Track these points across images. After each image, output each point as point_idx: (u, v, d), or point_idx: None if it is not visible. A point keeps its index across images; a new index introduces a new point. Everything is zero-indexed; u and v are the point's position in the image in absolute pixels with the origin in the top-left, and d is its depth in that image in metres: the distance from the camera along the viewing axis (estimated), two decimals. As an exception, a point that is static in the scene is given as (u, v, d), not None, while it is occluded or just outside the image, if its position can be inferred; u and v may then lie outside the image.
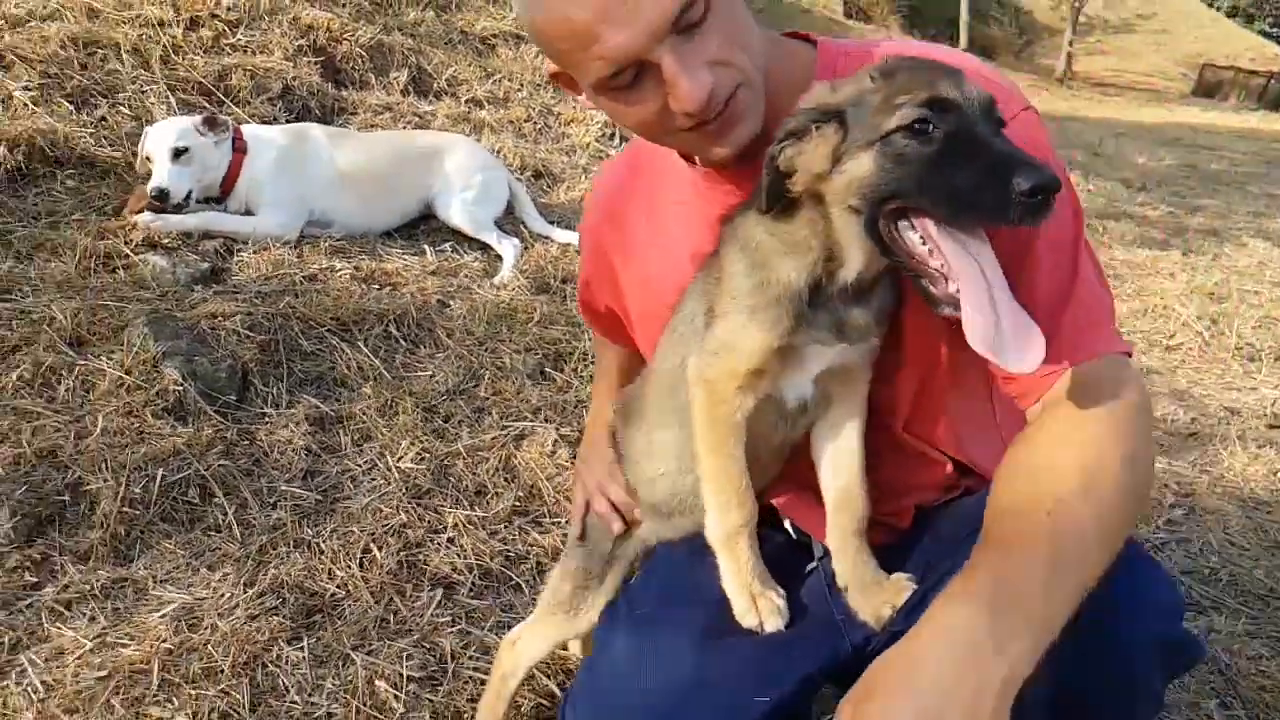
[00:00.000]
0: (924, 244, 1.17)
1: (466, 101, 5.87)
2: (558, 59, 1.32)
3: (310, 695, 2.06)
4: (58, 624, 2.13)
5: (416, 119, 5.37)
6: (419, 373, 3.23)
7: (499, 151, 5.25)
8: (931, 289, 1.17)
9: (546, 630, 1.83)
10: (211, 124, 3.84)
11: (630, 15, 1.20)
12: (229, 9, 5.24)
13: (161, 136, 3.74)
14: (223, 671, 2.06)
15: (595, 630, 1.68)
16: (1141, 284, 5.73)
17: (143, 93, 4.32)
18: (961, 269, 1.14)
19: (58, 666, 2.02)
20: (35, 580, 2.23)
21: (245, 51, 5.07)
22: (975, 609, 1.05)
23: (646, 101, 1.31)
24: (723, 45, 1.27)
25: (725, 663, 1.46)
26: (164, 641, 2.11)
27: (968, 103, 1.14)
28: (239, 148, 3.94)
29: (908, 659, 1.05)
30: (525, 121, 5.95)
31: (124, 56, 4.46)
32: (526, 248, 4.38)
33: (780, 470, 1.61)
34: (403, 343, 3.37)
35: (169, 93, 4.37)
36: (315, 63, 5.33)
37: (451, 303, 3.70)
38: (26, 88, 3.97)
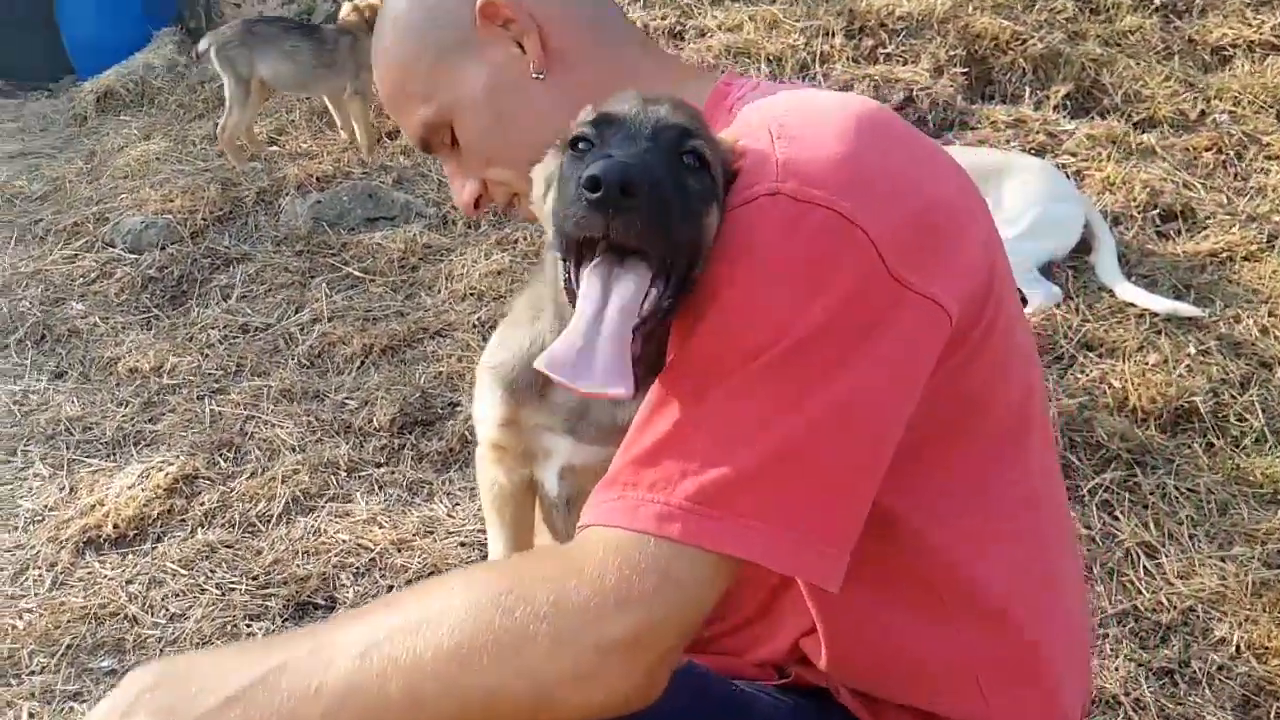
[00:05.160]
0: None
1: (1137, 122, 5.09)
2: None
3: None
4: (363, 496, 2.86)
5: (1046, 136, 4.90)
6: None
7: (1132, 182, 4.50)
8: None
9: None
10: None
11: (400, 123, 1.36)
12: (899, 18, 5.44)
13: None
14: (409, 570, 2.57)
15: None
16: None
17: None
18: (581, 294, 0.95)
19: (333, 523, 2.76)
20: (380, 460, 3.01)
21: (893, 61, 5.24)
22: None
23: None
24: (477, 166, 1.31)
25: None
26: (400, 535, 2.70)
27: (638, 119, 0.98)
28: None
29: None
30: (1207, 150, 4.90)
31: (762, 64, 5.05)
32: (1065, 299, 3.78)
33: None
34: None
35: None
36: (962, 73, 5.22)
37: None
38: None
